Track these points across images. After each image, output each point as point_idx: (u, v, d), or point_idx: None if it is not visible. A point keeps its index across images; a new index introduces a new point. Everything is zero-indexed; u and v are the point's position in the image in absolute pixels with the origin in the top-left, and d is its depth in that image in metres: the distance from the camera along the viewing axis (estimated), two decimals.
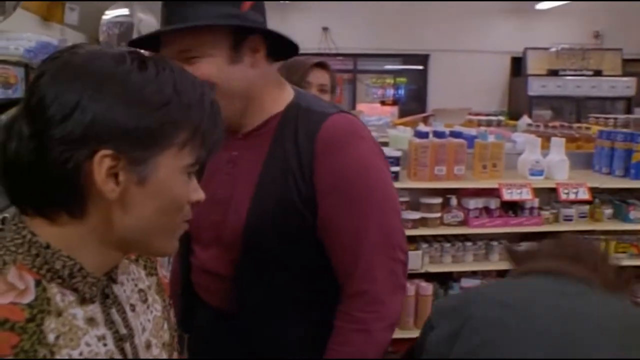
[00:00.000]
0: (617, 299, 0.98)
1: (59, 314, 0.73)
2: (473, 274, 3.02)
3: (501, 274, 3.05)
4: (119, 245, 0.79)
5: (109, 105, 0.71)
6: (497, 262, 2.95)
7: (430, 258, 2.92)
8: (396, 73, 9.07)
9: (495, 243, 2.96)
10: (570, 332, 0.90)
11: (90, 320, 0.77)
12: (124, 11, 6.12)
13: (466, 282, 2.98)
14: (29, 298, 0.71)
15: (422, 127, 3.37)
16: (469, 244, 2.94)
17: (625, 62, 8.47)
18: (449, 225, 2.88)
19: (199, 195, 0.83)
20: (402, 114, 6.86)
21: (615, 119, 4.49)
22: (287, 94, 1.34)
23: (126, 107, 0.71)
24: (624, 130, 3.62)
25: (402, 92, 9.10)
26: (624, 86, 8.10)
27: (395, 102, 8.29)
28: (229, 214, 1.31)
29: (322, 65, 2.44)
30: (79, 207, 0.73)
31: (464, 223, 2.88)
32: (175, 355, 0.95)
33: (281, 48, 1.32)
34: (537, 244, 1.25)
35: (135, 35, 6.43)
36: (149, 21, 6.48)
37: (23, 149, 0.71)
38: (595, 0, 7.98)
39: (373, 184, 1.27)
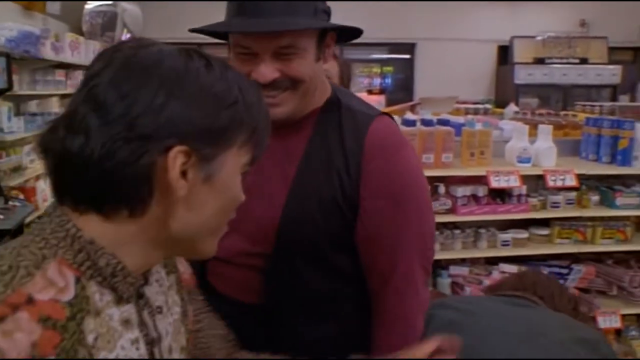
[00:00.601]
0: (561, 316, 1.32)
1: (97, 314, 0.72)
2: (462, 261, 3.02)
3: (489, 260, 3.05)
4: (165, 246, 0.78)
5: (184, 102, 0.71)
6: (485, 250, 2.96)
7: None
8: (383, 62, 9.05)
9: (483, 230, 2.96)
10: (506, 330, 1.21)
11: (126, 322, 0.76)
12: (107, 1, 6.04)
13: (455, 270, 2.98)
14: (69, 296, 0.70)
15: (409, 116, 3.35)
16: (457, 231, 2.94)
17: (611, 50, 8.52)
18: (437, 213, 2.87)
19: (243, 197, 0.83)
20: (389, 103, 6.84)
21: (601, 106, 4.51)
22: (328, 88, 1.34)
23: (200, 104, 0.72)
24: (610, 117, 3.63)
25: (389, 81, 9.09)
26: (609, 74, 8.15)
27: (382, 91, 8.27)
28: (261, 207, 1.27)
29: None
30: (143, 204, 0.72)
31: (452, 211, 2.87)
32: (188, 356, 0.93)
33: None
34: (502, 278, 1.61)
35: (119, 26, 6.36)
36: (133, 11, 6.41)
37: (91, 144, 0.69)
38: None
39: (419, 193, 1.30)
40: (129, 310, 0.76)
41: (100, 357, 0.71)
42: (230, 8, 1.23)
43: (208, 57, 0.76)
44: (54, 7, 4.77)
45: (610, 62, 8.38)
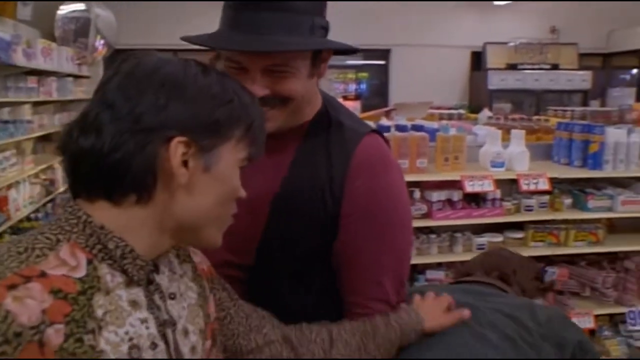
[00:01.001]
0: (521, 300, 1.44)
1: (107, 292, 0.79)
2: (438, 265, 3.04)
3: None
4: (172, 233, 0.85)
5: (183, 101, 0.81)
6: (461, 254, 2.98)
7: None
8: (358, 68, 9.10)
9: (459, 235, 2.98)
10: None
11: (134, 303, 0.81)
12: (80, 6, 5.97)
13: (431, 274, 2.99)
14: (80, 273, 0.77)
15: (384, 121, 3.37)
16: (433, 236, 2.96)
17: (581, 56, 8.68)
18: (413, 218, 2.88)
19: (242, 192, 0.91)
20: (364, 109, 6.88)
21: (573, 111, 4.59)
22: (319, 101, 1.32)
23: (198, 102, 0.82)
24: (582, 121, 3.69)
25: (364, 86, 9.14)
26: (580, 79, 8.31)
27: (357, 97, 8.32)
28: (245, 220, 1.19)
29: None
30: (148, 190, 0.81)
31: (427, 215, 2.89)
32: (207, 343, 0.96)
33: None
34: (471, 259, 1.68)
35: (92, 32, 6.29)
36: (106, 17, 6.34)
37: (101, 140, 0.78)
38: None
39: (399, 215, 1.29)
40: (137, 293, 0.83)
41: (110, 330, 0.77)
42: (224, 18, 1.19)
43: (205, 65, 0.88)
44: (24, 13, 4.71)
45: (581, 68, 8.54)
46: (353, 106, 7.66)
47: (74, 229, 0.80)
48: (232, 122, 0.85)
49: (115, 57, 2.64)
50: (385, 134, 2.89)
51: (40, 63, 5.20)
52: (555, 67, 8.46)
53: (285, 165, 1.27)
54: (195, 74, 0.85)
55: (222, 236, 0.91)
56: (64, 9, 5.81)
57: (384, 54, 8.85)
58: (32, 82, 5.20)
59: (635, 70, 8.66)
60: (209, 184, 0.84)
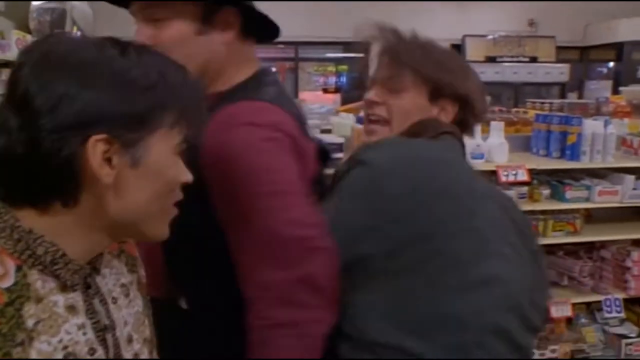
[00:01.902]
0: None
1: (39, 300, 0.73)
2: None
3: None
4: (108, 231, 0.79)
5: (97, 92, 0.71)
6: None
7: None
8: (338, 61, 9.08)
9: None
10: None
11: (71, 308, 0.76)
12: None
13: None
14: (8, 282, 0.71)
15: (362, 114, 3.37)
16: None
17: (559, 49, 8.76)
18: None
19: (187, 176, 0.83)
20: (344, 102, 6.87)
21: (551, 103, 4.63)
22: (239, 75, 1.23)
23: (114, 92, 0.72)
24: (559, 114, 3.73)
25: (344, 79, 9.13)
26: (557, 72, 8.38)
27: (337, 90, 8.31)
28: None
29: None
30: (73, 195, 0.73)
31: None
32: (155, 352, 0.94)
33: (261, 29, 1.25)
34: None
35: (68, 23, 6.19)
36: (82, 8, 6.24)
37: (13, 142, 0.71)
38: None
39: (246, 174, 1.15)
40: (75, 297, 0.77)
41: (42, 340, 0.71)
42: None
43: (124, 43, 0.77)
44: None
45: (558, 61, 8.61)
46: (333, 99, 7.66)
47: (1, 234, 0.73)
48: (158, 110, 0.75)
49: None
50: (361, 126, 2.89)
51: (14, 55, 5.11)
52: (533, 60, 8.52)
53: None
54: (111, 56, 0.74)
55: (167, 227, 0.84)
56: (39, 0, 5.71)
57: (364, 46, 8.83)
58: (6, 74, 5.11)
59: (612, 64, 8.75)
60: (141, 180, 0.76)
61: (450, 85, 1.36)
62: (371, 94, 1.41)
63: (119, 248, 0.91)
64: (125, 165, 0.74)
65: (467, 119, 1.41)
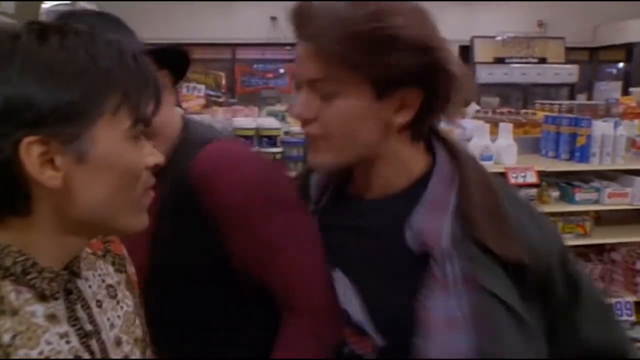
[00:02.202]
0: None
1: (15, 312, 0.68)
2: None
3: None
4: (78, 232, 0.73)
5: (18, 86, 0.63)
6: None
7: None
8: None
9: None
10: None
11: (51, 317, 0.71)
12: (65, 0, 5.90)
13: None
14: None
15: None
16: None
17: (568, 50, 8.72)
18: None
19: (156, 157, 0.76)
20: None
21: (560, 104, 4.60)
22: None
23: (37, 85, 0.64)
24: (569, 115, 3.71)
25: None
26: (567, 73, 8.35)
27: None
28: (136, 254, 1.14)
29: None
30: (22, 204, 0.67)
31: None
32: (148, 352, 0.90)
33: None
34: None
35: None
36: (90, 10, 6.29)
37: None
38: None
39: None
40: (56, 306, 0.72)
41: (20, 354, 0.66)
42: None
43: (43, 27, 0.68)
44: (8, 6, 4.64)
45: (567, 62, 8.58)
46: None
47: None
48: (93, 97, 0.67)
49: None
50: None
51: None
52: (542, 61, 8.49)
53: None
54: (28, 44, 0.65)
55: (144, 215, 0.77)
56: (49, 3, 5.74)
57: None
58: None
59: (621, 64, 8.71)
60: (93, 174, 0.69)
61: (400, 57, 0.88)
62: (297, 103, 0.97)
63: (104, 248, 0.88)
64: (71, 163, 0.67)
65: (437, 104, 0.95)
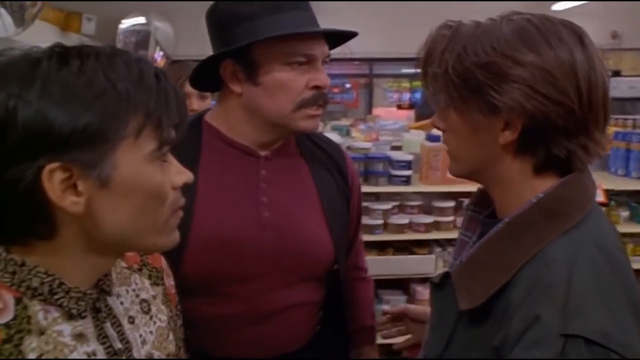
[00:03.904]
0: None
1: (42, 332, 0.69)
2: None
3: None
4: (104, 252, 0.74)
5: (37, 111, 0.63)
6: None
7: (444, 262, 2.90)
8: (412, 77, 9.05)
9: None
10: None
11: (79, 336, 0.72)
12: (141, 19, 6.21)
13: None
14: (6, 317, 0.67)
15: (435, 132, 3.35)
16: None
17: None
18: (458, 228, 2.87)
19: (185, 176, 0.76)
20: (418, 117, 6.83)
21: (634, 119, 4.43)
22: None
23: (56, 109, 0.63)
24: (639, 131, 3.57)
25: (418, 95, 9.08)
26: None
27: (411, 106, 8.26)
28: (306, 242, 1.26)
29: None
30: (46, 229, 0.68)
31: None
32: None
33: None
34: None
35: (152, 44, 6.52)
36: (165, 29, 6.56)
37: None
38: (612, 0, 7.89)
39: None
40: (84, 324, 0.73)
41: None
42: (274, 17, 1.13)
43: (63, 51, 0.68)
44: (89, 28, 4.93)
45: None
46: (407, 115, 7.61)
47: None
48: (114, 121, 0.66)
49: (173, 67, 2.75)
50: (435, 144, 2.89)
51: None
52: (616, 73, 8.17)
53: (307, 182, 1.31)
54: (49, 69, 0.65)
55: (173, 234, 0.77)
56: (126, 23, 6.05)
57: None
58: None
59: None
60: (117, 198, 0.68)
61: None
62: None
63: (141, 261, 0.88)
64: (94, 187, 0.67)
65: (543, 136, 0.86)
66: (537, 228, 0.84)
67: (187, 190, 1.09)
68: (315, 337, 1.32)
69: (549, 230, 0.83)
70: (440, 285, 0.95)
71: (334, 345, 1.38)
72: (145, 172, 0.70)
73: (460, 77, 0.85)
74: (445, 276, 0.93)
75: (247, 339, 1.23)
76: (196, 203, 1.17)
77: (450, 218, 2.86)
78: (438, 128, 0.97)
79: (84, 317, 0.73)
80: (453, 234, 2.88)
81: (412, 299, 2.91)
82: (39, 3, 3.61)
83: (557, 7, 8.17)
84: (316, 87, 1.17)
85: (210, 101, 2.34)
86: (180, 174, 0.75)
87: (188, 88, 2.21)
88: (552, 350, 0.73)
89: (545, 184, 0.88)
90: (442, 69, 0.88)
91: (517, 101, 0.82)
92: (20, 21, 3.55)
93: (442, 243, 2.98)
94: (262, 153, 1.25)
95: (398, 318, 1.34)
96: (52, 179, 0.64)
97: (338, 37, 1.25)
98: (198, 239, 1.15)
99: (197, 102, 2.27)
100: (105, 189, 0.68)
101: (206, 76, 1.24)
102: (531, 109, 0.82)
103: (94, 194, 0.67)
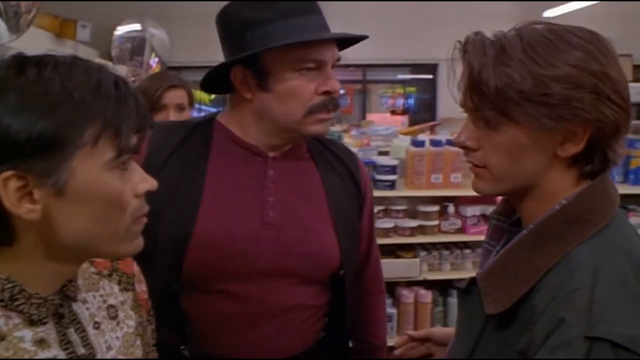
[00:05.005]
0: None
1: (2, 338, 0.69)
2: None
3: None
4: (66, 258, 0.74)
5: None
6: None
7: (429, 266, 2.95)
8: (406, 83, 9.11)
9: None
10: None
11: (41, 342, 0.72)
12: (136, 26, 6.25)
13: None
14: None
15: (420, 136, 3.41)
16: (467, 251, 2.97)
17: (636, 67, 8.43)
18: (446, 232, 2.92)
19: (148, 184, 0.75)
20: (412, 123, 6.87)
21: None
22: None
23: (11, 117, 0.64)
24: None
25: (412, 101, 9.14)
26: (634, 92, 7.98)
27: (405, 112, 8.32)
28: (311, 244, 1.27)
29: (176, 85, 2.30)
30: (5, 236, 0.69)
31: (461, 230, 2.91)
32: None
33: None
34: None
35: (147, 51, 6.57)
36: (160, 36, 6.61)
37: None
38: (606, 1, 7.96)
39: None
40: (46, 330, 0.73)
41: None
42: (285, 24, 1.14)
43: (23, 60, 0.68)
44: (84, 34, 4.97)
45: (635, 80, 8.27)
46: (401, 120, 7.66)
47: None
48: (69, 130, 0.66)
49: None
50: (419, 149, 2.95)
51: None
52: None
53: (315, 184, 1.31)
54: (5, 78, 0.66)
55: (136, 241, 0.77)
56: (121, 30, 6.10)
57: (432, 68, 8.83)
58: None
59: None
60: (74, 206, 0.68)
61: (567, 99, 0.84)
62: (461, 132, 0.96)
63: (111, 267, 0.88)
64: (50, 195, 0.67)
65: (605, 143, 0.88)
66: (561, 235, 0.85)
67: (194, 186, 1.20)
68: (318, 343, 1.31)
69: (572, 237, 0.85)
70: (467, 291, 0.97)
71: (337, 353, 1.38)
72: (103, 180, 0.70)
73: (530, 90, 0.84)
74: (472, 282, 0.96)
75: (248, 339, 1.23)
76: (202, 199, 1.19)
77: (435, 222, 2.92)
78: (466, 148, 0.93)
79: (45, 323, 0.73)
80: (438, 238, 2.94)
81: (397, 302, 2.96)
82: (34, 10, 3.66)
83: (549, 13, 8.23)
84: (326, 93, 1.19)
85: (188, 113, 2.34)
86: (143, 182, 0.75)
87: (166, 99, 2.22)
88: (576, 353, 0.75)
89: (569, 190, 0.89)
90: (500, 84, 0.85)
91: (594, 110, 0.83)
92: (15, 28, 3.59)
93: (428, 247, 3.03)
94: (271, 154, 1.28)
95: (418, 339, 1.28)
96: (7, 187, 0.65)
97: (345, 40, 1.28)
98: (201, 235, 1.18)
99: (175, 114, 2.24)
100: (62, 197, 0.68)
101: (215, 79, 1.25)
102: (606, 117, 0.84)
103: (51, 202, 0.68)
